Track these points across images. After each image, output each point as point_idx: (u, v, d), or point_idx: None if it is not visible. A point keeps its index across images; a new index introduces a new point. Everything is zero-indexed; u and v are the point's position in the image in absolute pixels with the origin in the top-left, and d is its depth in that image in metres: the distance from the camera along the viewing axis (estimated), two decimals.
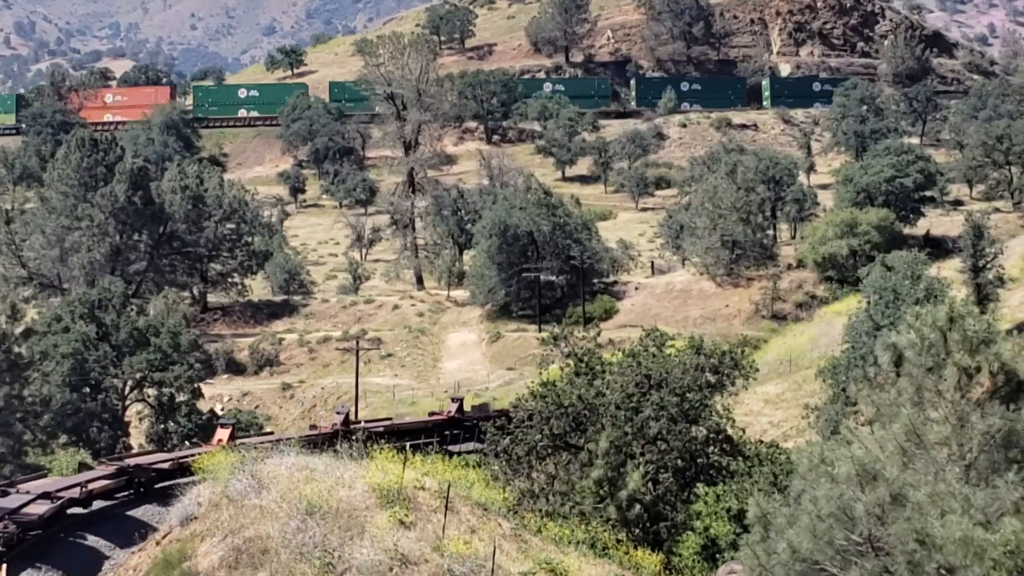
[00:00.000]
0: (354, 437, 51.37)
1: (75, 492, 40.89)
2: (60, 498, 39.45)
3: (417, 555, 28.52)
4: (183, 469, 43.58)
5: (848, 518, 21.85)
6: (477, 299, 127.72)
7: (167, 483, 42.35)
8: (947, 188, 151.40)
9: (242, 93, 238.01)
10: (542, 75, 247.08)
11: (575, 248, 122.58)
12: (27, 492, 40.00)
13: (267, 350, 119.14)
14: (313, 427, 62.68)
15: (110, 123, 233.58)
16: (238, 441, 50.23)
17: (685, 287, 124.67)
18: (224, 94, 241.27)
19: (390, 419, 69.79)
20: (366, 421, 65.82)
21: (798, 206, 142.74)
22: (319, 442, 47.54)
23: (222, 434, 52.64)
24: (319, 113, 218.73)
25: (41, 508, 37.89)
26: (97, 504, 41.79)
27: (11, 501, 38.49)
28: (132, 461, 46.18)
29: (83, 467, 53.81)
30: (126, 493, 43.91)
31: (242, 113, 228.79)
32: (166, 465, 45.62)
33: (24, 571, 35.02)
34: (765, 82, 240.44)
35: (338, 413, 60.36)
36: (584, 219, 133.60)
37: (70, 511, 40.24)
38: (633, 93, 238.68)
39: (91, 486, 41.94)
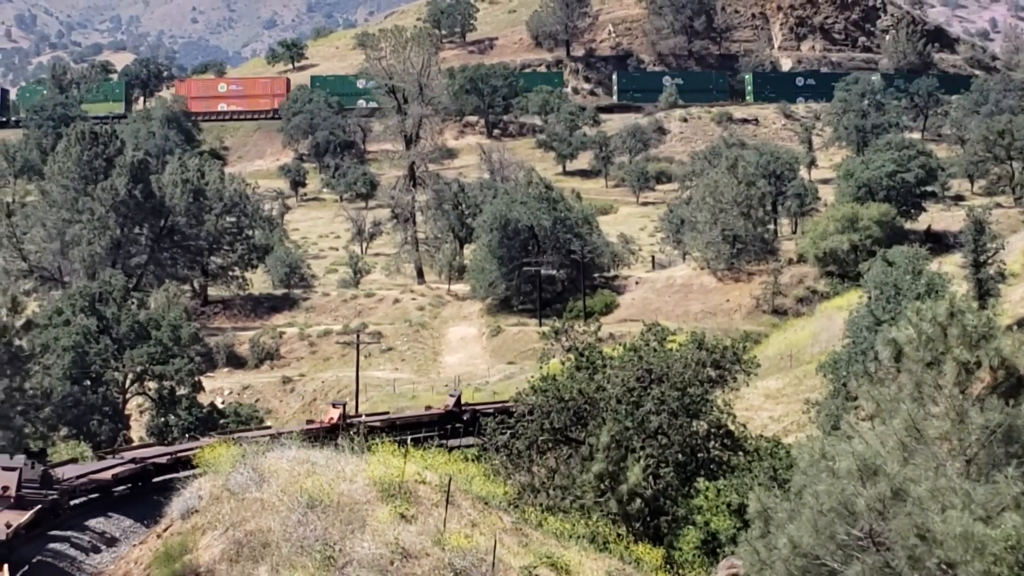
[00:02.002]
0: (465, 416, 53.53)
1: (163, 459, 46.40)
2: (143, 462, 45.05)
3: (418, 549, 28.56)
4: None
5: (849, 513, 21.88)
6: (478, 293, 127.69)
7: None
8: (948, 183, 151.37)
9: (361, 83, 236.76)
10: (543, 69, 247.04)
11: (576, 242, 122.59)
12: (121, 458, 46.58)
13: (267, 343, 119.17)
14: (428, 407, 67.84)
15: (223, 113, 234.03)
16: (349, 420, 56.83)
17: (686, 281, 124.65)
18: (343, 85, 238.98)
19: (506, 401, 71.51)
20: (478, 404, 68.31)
21: (799, 201, 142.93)
22: (434, 421, 49.78)
23: (333, 413, 57.97)
24: (320, 107, 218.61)
25: (115, 470, 43.23)
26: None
27: (96, 465, 45.10)
28: (237, 435, 50.49)
29: (192, 439, 60.67)
30: None
31: (361, 104, 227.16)
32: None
33: (95, 518, 39.36)
34: (876, 77, 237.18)
35: (451, 396, 64.71)
36: (585, 213, 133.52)
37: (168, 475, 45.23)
38: (750, 88, 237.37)
39: (180, 454, 46.88)
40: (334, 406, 59.86)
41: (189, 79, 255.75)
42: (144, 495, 42.63)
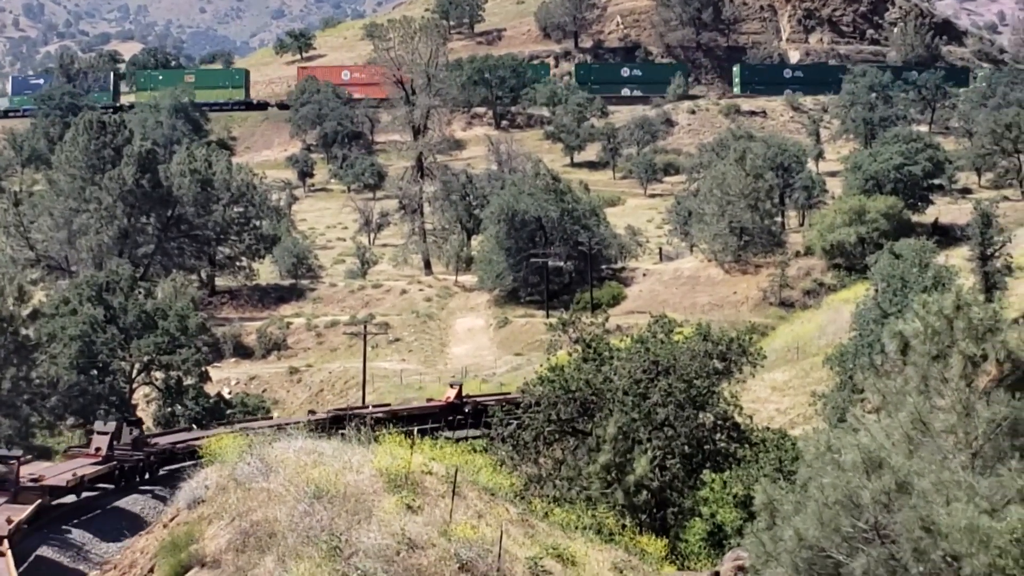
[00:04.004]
0: None
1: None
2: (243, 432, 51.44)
3: (424, 539, 28.57)
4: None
5: (854, 505, 21.88)
6: (485, 284, 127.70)
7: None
8: (956, 176, 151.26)
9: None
10: (551, 60, 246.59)
11: (583, 234, 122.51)
12: (231, 428, 52.41)
13: (274, 334, 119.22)
14: None
15: (350, 101, 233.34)
16: (466, 398, 68.12)
17: (693, 274, 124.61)
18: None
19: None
20: None
21: (806, 193, 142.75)
22: None
23: (451, 392, 68.46)
24: (328, 97, 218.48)
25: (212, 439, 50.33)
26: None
27: (198, 433, 54.41)
28: (355, 411, 61.42)
29: (311, 412, 70.78)
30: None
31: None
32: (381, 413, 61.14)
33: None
34: (981, 72, 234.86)
35: None
36: (592, 205, 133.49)
37: None
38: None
39: (284, 426, 51.16)
40: (451, 386, 70.23)
41: (311, 67, 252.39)
42: None
